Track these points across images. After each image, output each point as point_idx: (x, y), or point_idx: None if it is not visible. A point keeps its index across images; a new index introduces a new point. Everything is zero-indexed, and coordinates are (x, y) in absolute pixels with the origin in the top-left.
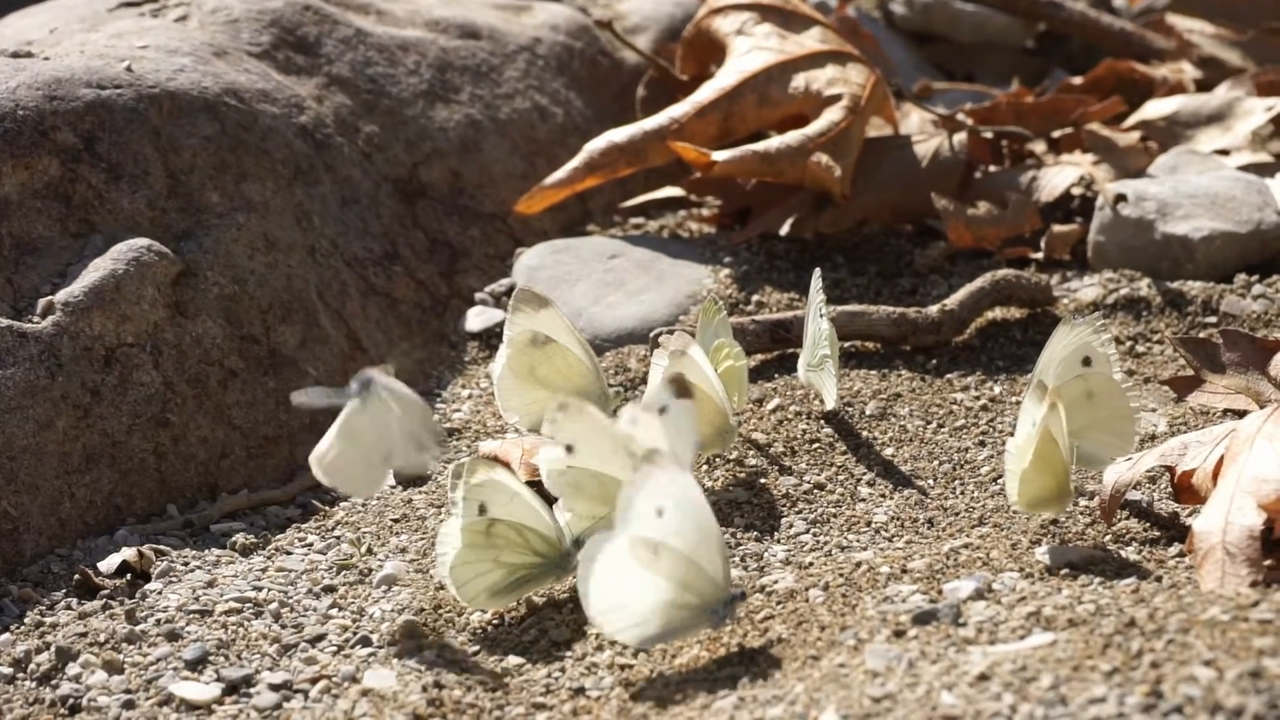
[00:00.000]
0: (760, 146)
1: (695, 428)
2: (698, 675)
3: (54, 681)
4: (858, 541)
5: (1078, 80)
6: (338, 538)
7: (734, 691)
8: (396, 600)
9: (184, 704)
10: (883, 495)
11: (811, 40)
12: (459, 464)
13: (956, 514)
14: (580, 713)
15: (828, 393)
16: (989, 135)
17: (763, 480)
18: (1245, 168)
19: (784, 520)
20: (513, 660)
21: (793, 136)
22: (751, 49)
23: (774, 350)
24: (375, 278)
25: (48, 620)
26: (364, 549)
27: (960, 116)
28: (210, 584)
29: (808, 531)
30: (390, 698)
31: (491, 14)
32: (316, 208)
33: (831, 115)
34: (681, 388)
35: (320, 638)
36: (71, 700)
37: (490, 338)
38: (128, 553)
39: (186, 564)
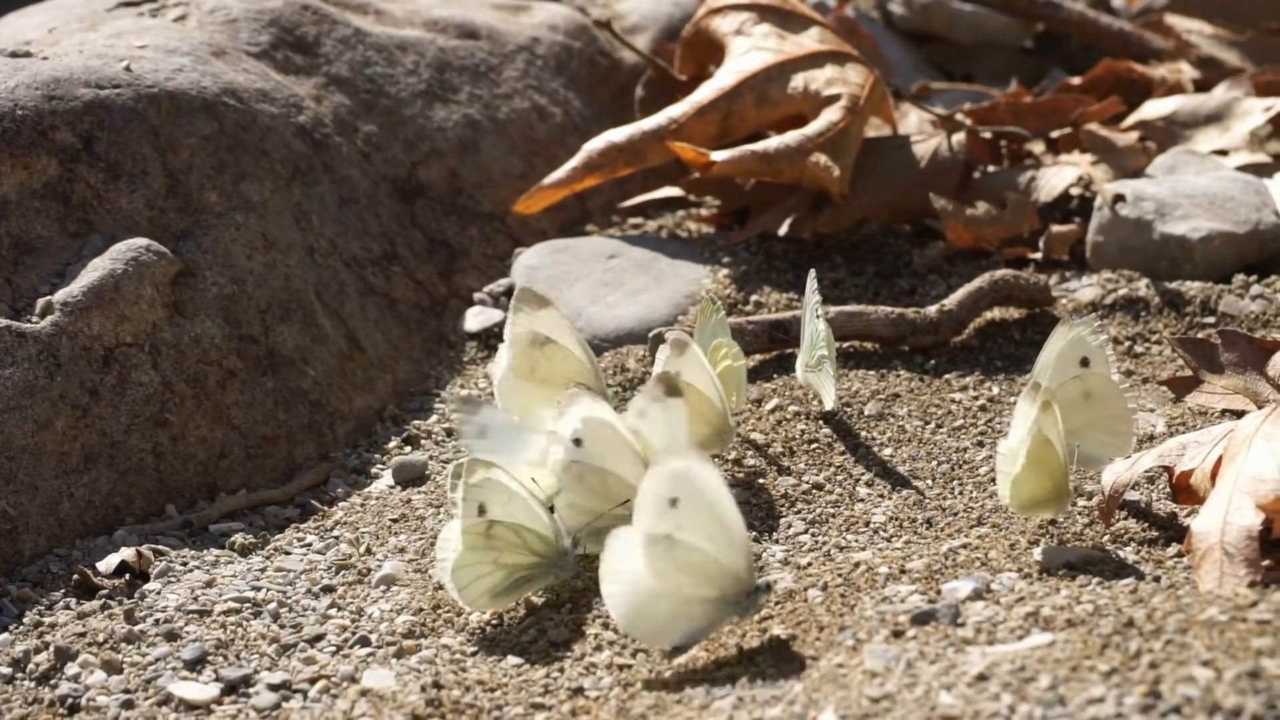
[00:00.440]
0: (759, 146)
1: (686, 425)
2: (696, 675)
3: (53, 681)
4: (856, 542)
5: (1076, 80)
6: (336, 538)
7: (732, 691)
8: (395, 600)
9: (183, 704)
10: (881, 495)
11: (810, 40)
12: (457, 464)
13: (955, 514)
14: (579, 713)
15: (826, 393)
16: (987, 135)
17: (761, 480)
18: (1243, 168)
19: (782, 520)
20: (511, 660)
21: (791, 137)
22: (750, 49)
23: (772, 350)
24: (374, 278)
25: (46, 620)
26: (363, 549)
27: (959, 116)
28: (209, 584)
29: (806, 532)
30: (389, 698)
31: (490, 14)
32: (315, 207)
33: (830, 115)
34: (671, 386)
35: (319, 638)
36: (70, 700)
37: (489, 338)
38: (126, 553)
39: (185, 564)
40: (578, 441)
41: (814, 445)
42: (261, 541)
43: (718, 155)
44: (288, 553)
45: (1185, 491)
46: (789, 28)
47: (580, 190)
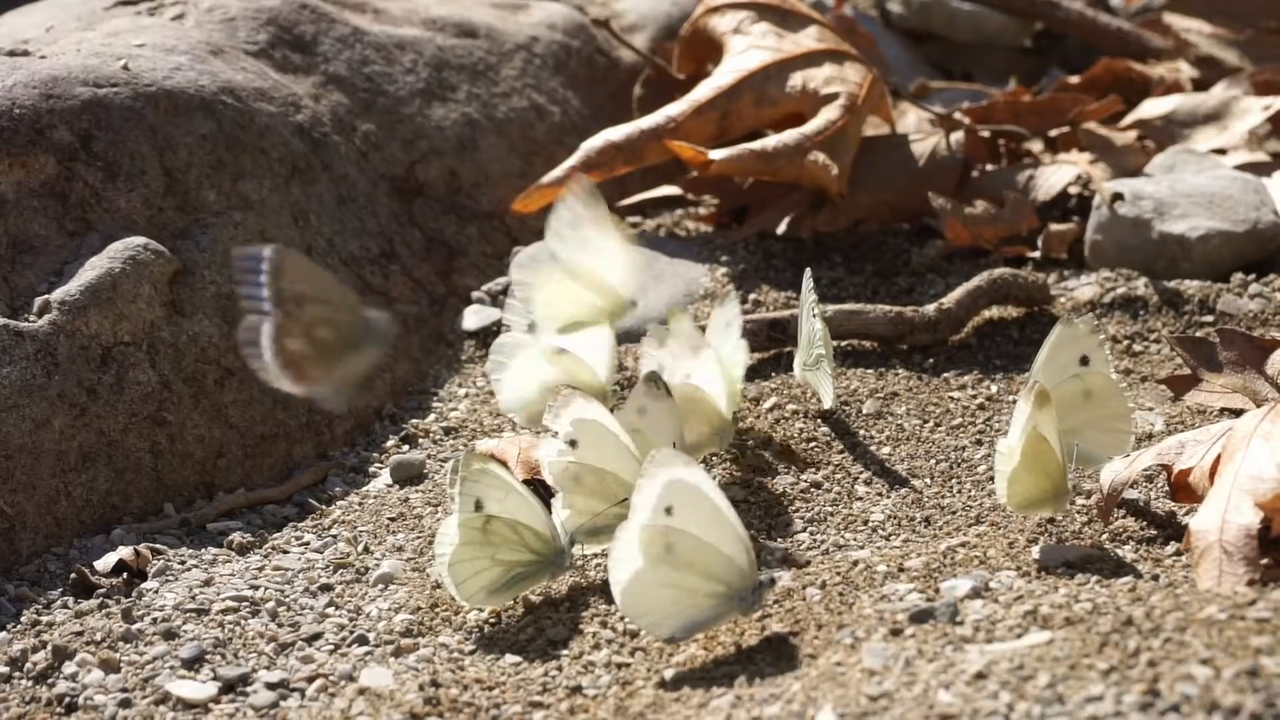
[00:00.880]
0: (757, 145)
1: (676, 425)
2: (695, 674)
3: (50, 680)
4: (855, 540)
5: (1075, 79)
6: (334, 536)
7: (731, 690)
8: (393, 599)
9: (180, 702)
10: (880, 494)
11: (808, 39)
12: (455, 459)
13: (953, 513)
14: (577, 711)
15: (824, 392)
16: (986, 134)
17: (759, 479)
18: (1242, 167)
19: (781, 519)
20: (509, 659)
21: (790, 135)
22: (748, 48)
23: (770, 349)
24: (372, 276)
25: (44, 619)
26: (361, 548)
27: (957, 115)
28: (207, 583)
29: (805, 530)
30: (387, 696)
31: (488, 12)
32: (313, 206)
33: (828, 114)
34: (659, 386)
35: (317, 636)
36: (68, 699)
37: (487, 336)
38: (124, 551)
39: (183, 563)
40: (572, 443)
41: (812, 444)
42: (259, 540)
43: (716, 154)
44: (286, 551)
45: (1184, 490)
46: (787, 26)
47: None
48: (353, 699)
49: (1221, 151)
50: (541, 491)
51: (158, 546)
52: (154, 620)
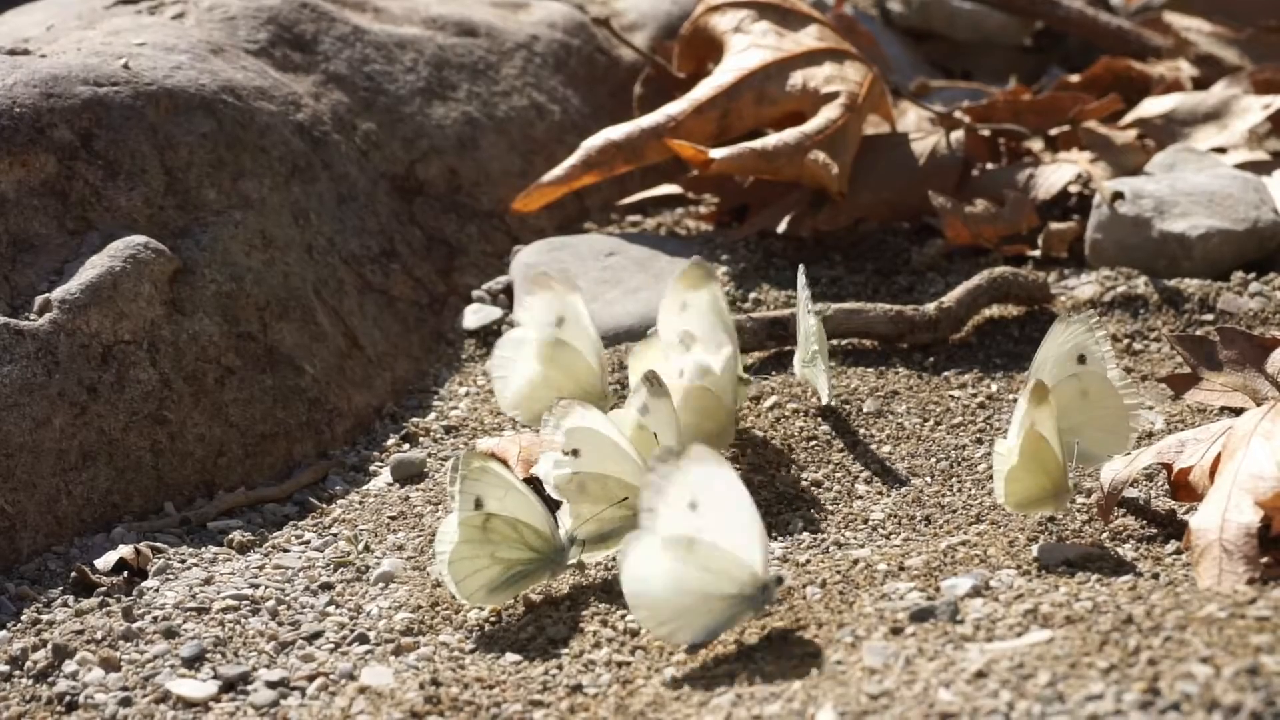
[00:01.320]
0: (758, 144)
1: (675, 424)
2: (695, 672)
3: (51, 679)
4: (855, 539)
5: (1075, 78)
6: (335, 535)
7: (731, 688)
8: (394, 598)
9: (181, 701)
10: (880, 493)
11: (809, 38)
12: (456, 458)
13: (954, 511)
14: (578, 710)
15: (821, 388)
16: (986, 133)
17: (760, 478)
18: (1242, 165)
19: (781, 517)
20: (510, 657)
21: (790, 134)
22: (749, 46)
23: (770, 347)
24: (372, 275)
25: (44, 618)
26: (361, 546)
27: (958, 114)
28: (207, 581)
29: (805, 529)
30: (387, 695)
31: (489, 11)
32: (314, 205)
33: (829, 113)
34: (658, 385)
35: (317, 635)
36: (68, 697)
37: (487, 335)
38: (125, 550)
39: (183, 561)
40: (574, 453)
41: (813, 442)
42: (260, 539)
43: (716, 153)
44: (286, 550)
45: (1184, 488)
46: (788, 25)
47: (579, 188)
48: (353, 697)
49: (1222, 150)
50: (541, 490)
51: (158, 545)
52: (154, 619)
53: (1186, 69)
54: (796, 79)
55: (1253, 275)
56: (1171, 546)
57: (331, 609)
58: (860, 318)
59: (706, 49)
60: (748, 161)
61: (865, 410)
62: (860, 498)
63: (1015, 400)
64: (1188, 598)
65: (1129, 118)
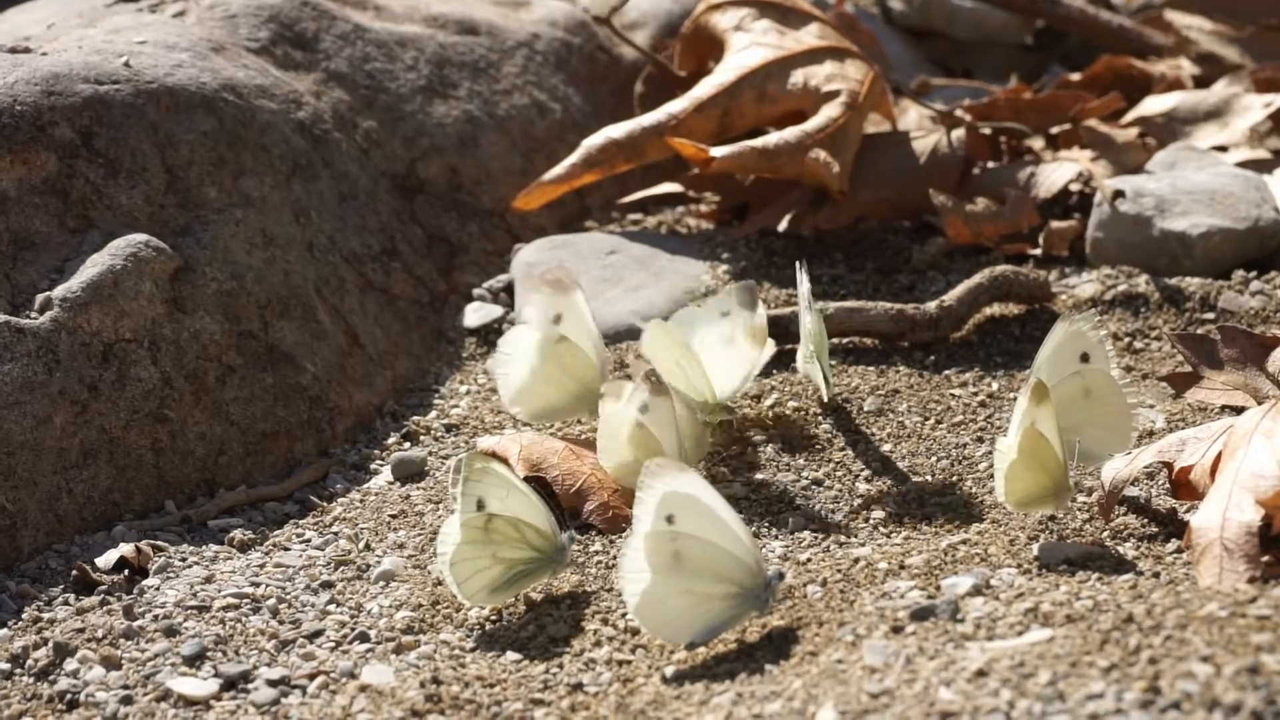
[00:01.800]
0: (759, 142)
1: (675, 423)
2: (696, 670)
3: (52, 677)
4: (855, 537)
5: (1076, 76)
6: (335, 534)
7: (732, 687)
8: (394, 596)
9: (182, 699)
10: (881, 491)
11: (810, 36)
12: (457, 459)
13: (954, 510)
14: (578, 708)
15: (819, 384)
16: (987, 131)
17: (760, 476)
18: (1243, 164)
19: (781, 516)
20: (511, 656)
21: (791, 132)
22: (750, 45)
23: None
24: (373, 274)
25: (45, 616)
26: (362, 545)
27: (958, 113)
28: (208, 580)
29: (806, 528)
30: (388, 693)
31: (490, 9)
32: (314, 203)
33: (830, 111)
34: (657, 385)
35: (318, 633)
36: (69, 695)
37: (488, 333)
38: (125, 549)
39: (184, 560)
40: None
41: (813, 441)
42: (260, 537)
43: (717, 151)
44: (287, 549)
45: (1185, 487)
46: (789, 23)
47: (579, 186)
48: (354, 696)
49: (1223, 148)
50: (541, 489)
51: (159, 543)
52: (155, 617)
53: (1187, 67)
54: (797, 77)
55: (1254, 274)
56: (1172, 545)
57: (332, 607)
58: (861, 316)
59: (707, 47)
60: (749, 160)
61: (866, 409)
62: (861, 496)
63: (1016, 399)
64: (1188, 596)
65: (1130, 116)
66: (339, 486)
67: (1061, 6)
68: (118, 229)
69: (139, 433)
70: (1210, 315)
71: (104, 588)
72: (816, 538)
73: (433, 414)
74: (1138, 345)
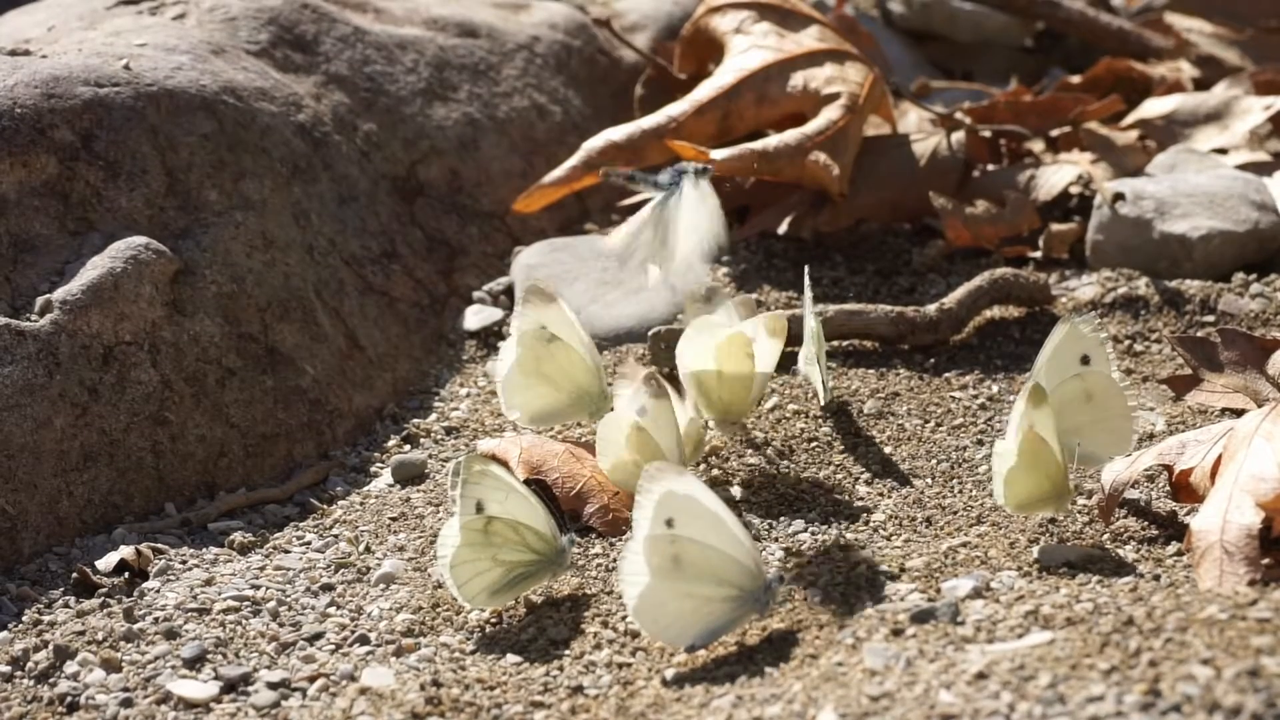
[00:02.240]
0: (759, 145)
1: (675, 426)
2: (696, 673)
3: (52, 679)
4: (856, 540)
5: (1076, 79)
6: (335, 536)
7: (732, 690)
8: (394, 599)
9: (182, 702)
10: (881, 494)
11: (810, 39)
12: (456, 461)
13: (955, 513)
14: (578, 711)
15: (818, 387)
16: (987, 134)
17: (760, 479)
18: (1243, 166)
19: (782, 519)
20: (511, 659)
21: (791, 135)
22: (750, 47)
23: None
24: (373, 276)
25: (46, 618)
26: (362, 547)
27: (958, 115)
28: (208, 582)
29: (806, 530)
30: (388, 696)
31: (490, 12)
32: (314, 206)
33: (830, 114)
34: (657, 388)
35: (318, 636)
36: (69, 698)
37: (488, 336)
38: (126, 551)
39: (184, 562)
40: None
41: (814, 443)
42: (261, 540)
43: (717, 154)
44: (287, 551)
45: (1185, 490)
46: (789, 26)
47: (580, 189)
48: (354, 699)
49: (1223, 151)
50: (542, 492)
51: (159, 546)
52: (155, 620)
53: (1187, 70)
54: (797, 80)
55: (1254, 276)
56: (1172, 548)
57: (332, 610)
58: (861, 319)
59: (707, 50)
60: (748, 162)
61: (866, 411)
62: (861, 499)
63: (1015, 401)
64: (1189, 599)
65: (1130, 119)
66: (339, 489)
67: (1062, 9)
68: (118, 231)
69: (139, 435)
70: (1210, 318)
71: (104, 590)
72: (816, 540)
73: (433, 416)
74: (1138, 348)
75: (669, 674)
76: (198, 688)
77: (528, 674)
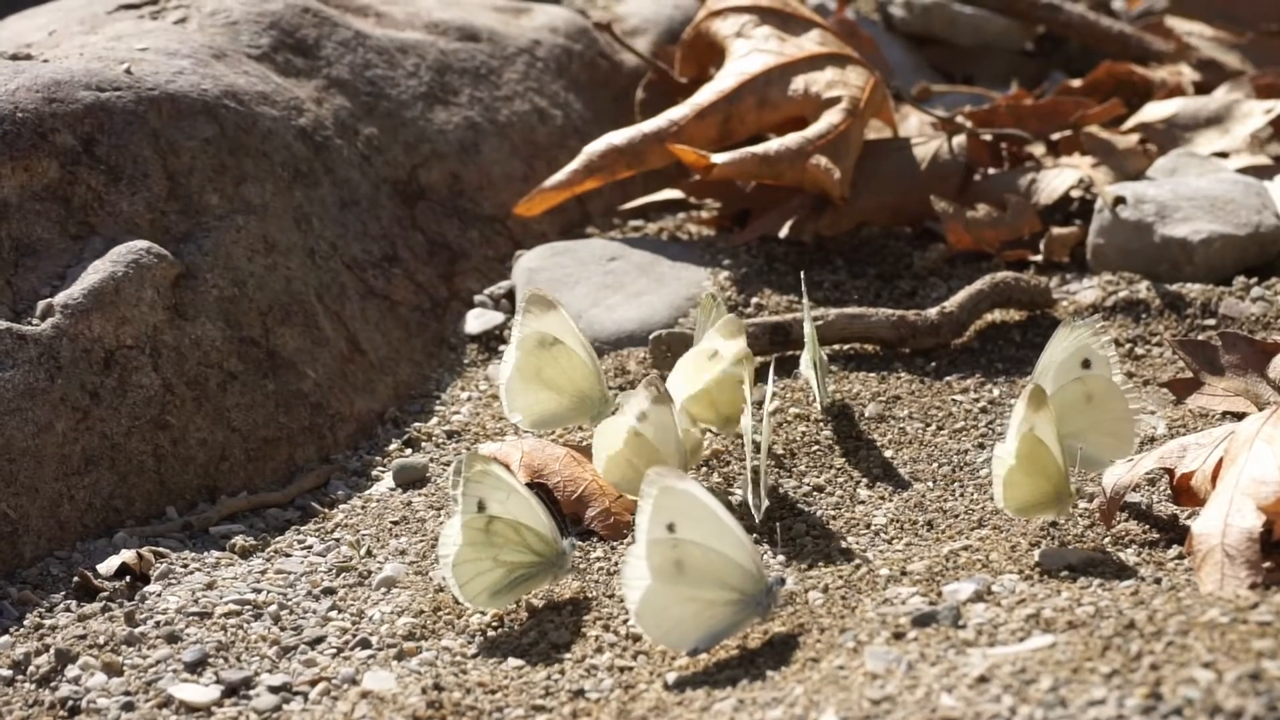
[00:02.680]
0: (759, 149)
1: (675, 432)
2: (697, 677)
3: (53, 683)
4: (857, 544)
5: (1077, 83)
6: (337, 540)
7: (733, 693)
8: (396, 602)
9: (183, 706)
10: (882, 497)
11: (810, 43)
12: (457, 461)
13: (956, 516)
14: (580, 715)
15: (815, 390)
16: (988, 138)
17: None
18: (1244, 170)
19: (783, 523)
20: (512, 662)
21: (792, 139)
22: (751, 51)
23: (773, 352)
24: (374, 280)
25: (47, 622)
26: (363, 551)
27: (959, 119)
28: (209, 586)
29: (807, 534)
30: (389, 700)
31: (491, 16)
32: (316, 210)
33: (830, 118)
34: (657, 393)
35: (319, 640)
36: (71, 702)
37: (489, 340)
38: (127, 555)
39: (186, 566)
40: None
41: (815, 447)
42: (262, 544)
43: (718, 158)
44: (288, 555)
45: (1186, 493)
46: (789, 30)
47: (581, 193)
48: (355, 702)
49: (1223, 155)
50: (543, 496)
51: (160, 550)
52: (157, 623)
53: (1188, 73)
54: (798, 84)
55: (1254, 280)
56: (1174, 551)
57: (334, 614)
58: (862, 322)
59: (708, 54)
60: (749, 166)
61: (867, 415)
62: (863, 502)
63: (1015, 405)
64: (1190, 603)
65: (1131, 122)
66: (340, 493)
67: (1062, 13)
68: (119, 235)
69: (140, 439)
70: (1211, 321)
71: (106, 594)
72: (818, 544)
73: (434, 420)
74: (1139, 351)
75: (670, 677)
76: (199, 691)
77: (529, 677)
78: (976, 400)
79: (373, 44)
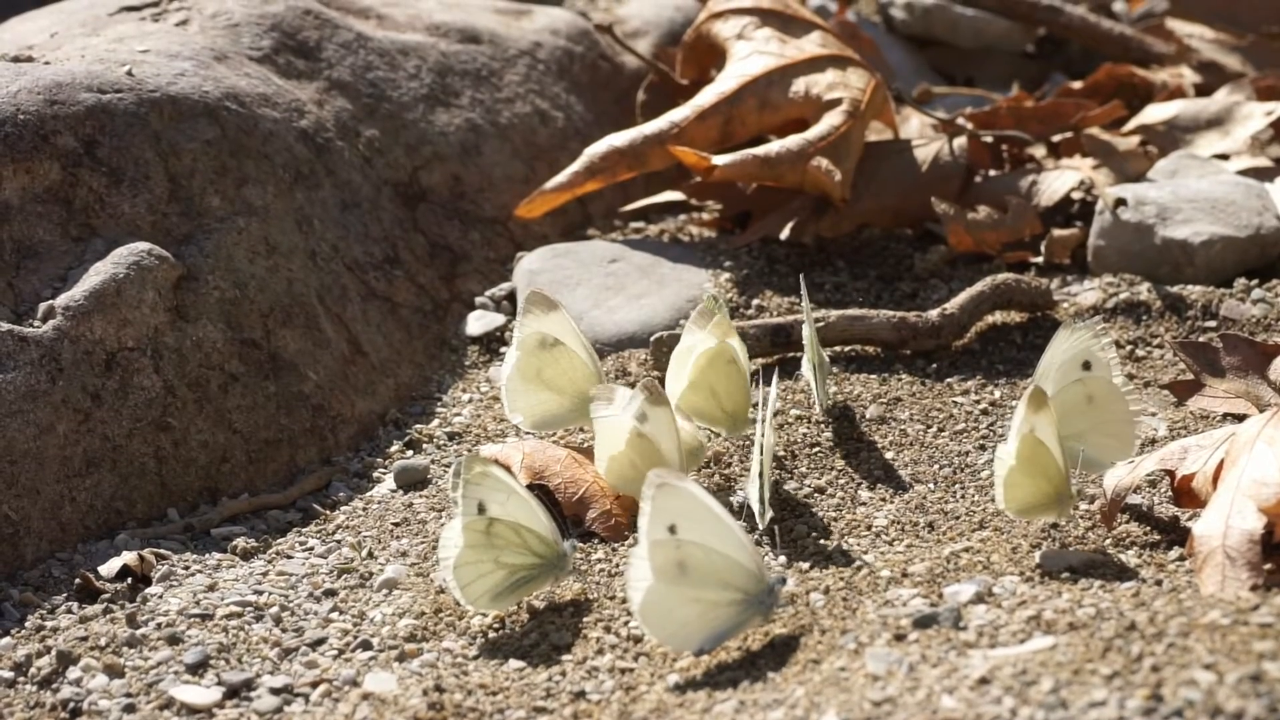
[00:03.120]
0: (760, 151)
1: (675, 432)
2: (699, 678)
3: (55, 685)
4: (858, 545)
5: (1077, 85)
6: (338, 541)
7: (734, 695)
8: (397, 604)
9: (185, 708)
10: (883, 499)
11: (811, 44)
12: (457, 463)
13: (957, 518)
14: (581, 716)
15: (815, 396)
16: (989, 139)
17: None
18: (1245, 172)
19: (784, 524)
20: (513, 664)
21: (793, 141)
22: (751, 53)
23: (774, 354)
24: (376, 282)
25: (48, 624)
26: (365, 553)
27: (960, 121)
28: (211, 588)
29: (808, 535)
30: (391, 701)
31: (492, 18)
32: (317, 212)
33: (831, 119)
34: (656, 394)
35: (321, 641)
36: (72, 704)
37: (491, 341)
38: (128, 556)
39: (187, 568)
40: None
41: (815, 449)
42: (263, 545)
43: (719, 159)
44: (289, 556)
45: (1187, 495)
46: (790, 32)
47: (582, 194)
48: (357, 704)
49: (1224, 156)
50: (544, 497)
51: (162, 551)
52: (158, 625)
53: (1189, 75)
54: (799, 85)
55: (1255, 282)
56: (1175, 553)
57: (335, 615)
58: (863, 324)
59: (709, 55)
60: (750, 168)
61: (868, 417)
62: (863, 504)
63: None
64: (1191, 604)
65: (1131, 124)
66: (342, 494)
67: (1063, 15)
68: (121, 237)
69: (142, 441)
70: (1212, 323)
71: (107, 596)
72: (819, 546)
73: (435, 422)
74: (1139, 353)
75: (672, 679)
76: (200, 693)
77: (530, 679)
78: (977, 402)
79: (374, 46)
